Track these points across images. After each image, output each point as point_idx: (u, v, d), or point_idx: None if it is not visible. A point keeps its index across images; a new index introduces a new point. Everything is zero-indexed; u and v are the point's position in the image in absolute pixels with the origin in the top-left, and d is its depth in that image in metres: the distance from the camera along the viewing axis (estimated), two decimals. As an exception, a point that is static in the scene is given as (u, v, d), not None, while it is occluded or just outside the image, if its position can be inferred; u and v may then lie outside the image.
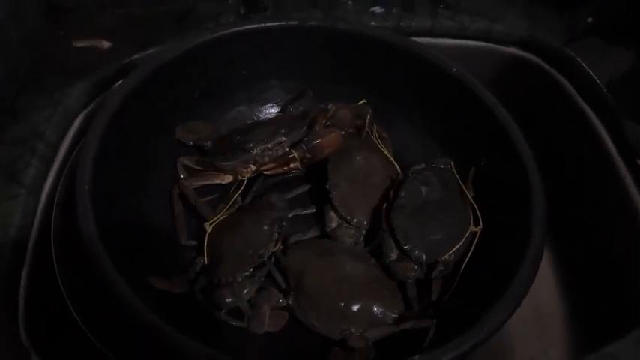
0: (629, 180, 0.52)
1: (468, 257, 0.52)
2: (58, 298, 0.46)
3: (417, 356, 0.40)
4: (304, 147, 0.57)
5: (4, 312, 0.46)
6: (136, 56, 0.63)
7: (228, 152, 0.57)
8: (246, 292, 0.51)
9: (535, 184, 0.50)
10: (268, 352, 0.50)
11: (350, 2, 0.70)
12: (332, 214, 0.57)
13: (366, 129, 0.61)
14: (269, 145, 0.57)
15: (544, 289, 0.62)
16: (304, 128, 0.59)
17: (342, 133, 0.58)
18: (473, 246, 0.53)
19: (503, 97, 0.58)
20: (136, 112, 0.54)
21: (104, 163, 0.49)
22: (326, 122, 0.58)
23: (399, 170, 0.61)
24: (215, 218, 0.55)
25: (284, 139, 0.57)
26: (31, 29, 0.65)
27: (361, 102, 0.62)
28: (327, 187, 0.58)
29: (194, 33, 0.62)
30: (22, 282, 0.48)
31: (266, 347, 0.50)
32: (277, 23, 0.61)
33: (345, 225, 0.57)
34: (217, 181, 0.58)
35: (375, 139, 0.62)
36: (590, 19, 0.65)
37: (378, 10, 0.68)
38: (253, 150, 0.57)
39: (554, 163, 0.60)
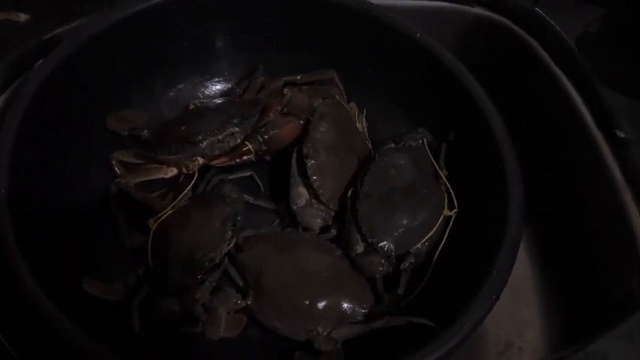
0: (606, 150, 0.49)
1: (441, 245, 0.48)
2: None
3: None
4: (260, 138, 0.52)
5: None
6: (58, 30, 0.55)
7: (173, 145, 0.51)
8: (198, 297, 0.46)
9: (510, 165, 0.46)
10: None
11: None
12: (301, 189, 0.51)
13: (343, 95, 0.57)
14: (220, 137, 0.51)
15: (518, 265, 0.59)
16: (257, 116, 0.53)
17: (301, 122, 0.52)
18: (447, 232, 0.49)
19: (469, 63, 0.54)
20: (59, 98, 0.47)
21: (23, 162, 0.42)
22: (282, 109, 0.53)
23: (370, 148, 0.56)
24: (160, 214, 0.49)
25: (236, 129, 0.51)
26: None
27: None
28: (305, 150, 0.51)
29: (124, 1, 0.54)
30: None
31: (223, 355, 0.45)
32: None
33: (314, 203, 0.52)
34: (160, 176, 0.52)
35: (350, 111, 0.57)
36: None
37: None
38: (202, 142, 0.51)
39: (526, 132, 0.55)
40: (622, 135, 0.47)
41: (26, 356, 0.40)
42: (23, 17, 0.58)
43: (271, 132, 0.52)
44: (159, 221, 0.49)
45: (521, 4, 0.59)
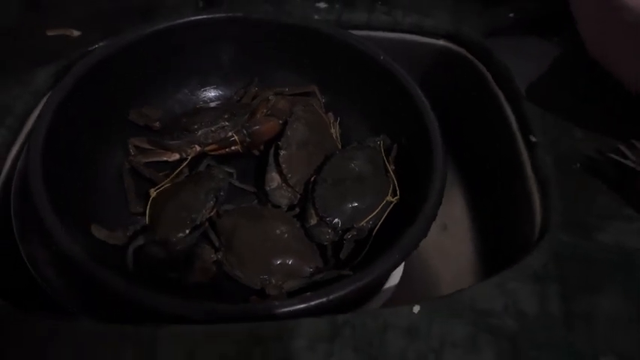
0: (523, 150, 0.59)
1: (379, 223, 0.59)
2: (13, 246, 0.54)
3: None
4: (245, 131, 0.64)
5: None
6: (100, 44, 0.71)
7: (175, 132, 0.64)
8: (179, 248, 0.58)
9: (438, 164, 0.56)
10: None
11: (298, -1, 0.77)
12: (274, 174, 0.63)
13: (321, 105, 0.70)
14: (212, 128, 0.64)
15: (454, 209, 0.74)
16: (246, 115, 0.66)
17: (280, 122, 0.65)
18: (386, 213, 0.59)
19: (433, 83, 0.68)
20: (93, 92, 0.61)
21: (56, 138, 0.55)
22: (267, 111, 0.66)
23: (339, 147, 0.68)
24: (159, 185, 0.62)
25: (227, 123, 0.65)
26: (10, 18, 0.73)
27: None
28: (279, 143, 0.64)
29: (149, 22, 0.69)
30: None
31: (194, 295, 0.56)
32: (225, 15, 0.68)
33: (284, 186, 0.63)
34: (164, 158, 0.65)
35: (326, 118, 0.70)
36: (511, 15, 0.72)
37: (322, 5, 0.75)
38: (198, 131, 0.64)
39: (470, 137, 0.69)
40: (533, 139, 0.57)
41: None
42: (76, 33, 0.74)
43: (254, 127, 0.64)
44: (158, 191, 0.62)
45: (475, 38, 0.70)
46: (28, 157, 0.53)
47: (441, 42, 0.73)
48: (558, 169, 0.54)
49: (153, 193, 0.62)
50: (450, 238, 0.74)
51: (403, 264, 0.53)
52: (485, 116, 0.68)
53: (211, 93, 0.72)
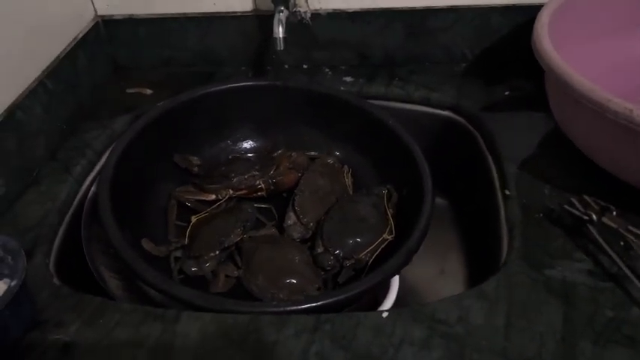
0: (500, 201, 0.70)
1: (374, 255, 0.70)
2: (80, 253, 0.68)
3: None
4: (270, 181, 0.79)
5: (42, 255, 0.68)
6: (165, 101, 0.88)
7: (215, 178, 0.79)
8: (208, 265, 0.71)
9: (425, 212, 0.67)
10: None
11: (329, 73, 0.93)
12: (291, 213, 0.77)
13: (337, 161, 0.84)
14: (245, 177, 0.79)
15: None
16: (273, 167, 0.81)
17: (299, 174, 0.80)
18: (380, 248, 0.70)
19: (437, 144, 0.83)
20: (148, 138, 0.76)
21: (121, 171, 0.70)
22: (289, 165, 0.81)
23: (350, 193, 0.81)
24: (199, 214, 0.77)
25: (256, 173, 0.80)
26: (99, 78, 0.92)
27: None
28: (295, 191, 0.78)
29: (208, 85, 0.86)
30: (58, 237, 0.70)
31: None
32: (266, 83, 0.85)
33: (298, 223, 0.76)
34: (202, 198, 0.79)
35: (340, 169, 0.83)
36: (507, 93, 0.84)
37: (348, 79, 0.91)
38: (234, 179, 0.79)
39: (467, 188, 0.81)
40: (507, 192, 0.68)
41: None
42: (149, 92, 0.93)
43: (277, 178, 0.80)
44: (197, 218, 0.76)
45: (473, 111, 0.83)
46: (99, 184, 0.68)
47: (445, 112, 0.86)
48: (525, 217, 0.64)
49: (193, 219, 0.76)
50: (446, 281, 0.83)
51: (394, 296, 0.64)
52: (476, 173, 0.80)
53: (246, 144, 0.88)
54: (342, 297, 0.58)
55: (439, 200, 0.91)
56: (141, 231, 0.72)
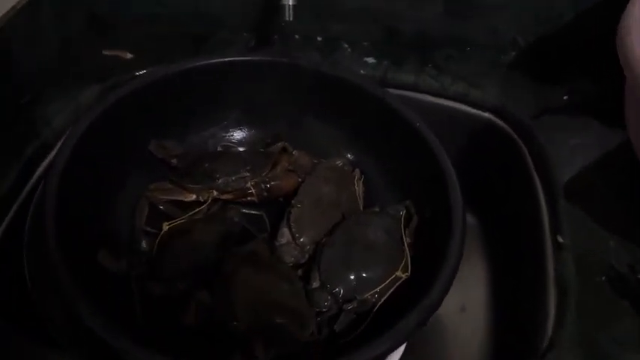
0: (549, 247, 0.55)
1: (384, 298, 0.56)
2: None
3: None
4: (263, 186, 0.64)
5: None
6: (148, 69, 0.72)
7: (196, 177, 0.64)
8: (178, 289, 0.57)
9: (453, 252, 0.53)
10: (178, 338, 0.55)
11: (348, 50, 0.76)
12: (285, 230, 0.62)
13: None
14: (233, 178, 0.64)
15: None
16: (268, 167, 0.66)
17: (299, 179, 0.65)
18: (392, 289, 0.56)
19: (472, 154, 0.68)
20: (119, 117, 0.62)
21: (77, 161, 0.56)
22: (287, 165, 0.65)
23: (360, 209, 0.66)
24: (173, 221, 0.62)
25: (247, 174, 0.65)
26: (69, 33, 0.76)
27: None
28: (293, 201, 0.63)
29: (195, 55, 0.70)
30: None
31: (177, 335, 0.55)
32: (268, 58, 0.68)
33: (293, 244, 0.62)
34: (181, 198, 0.65)
35: (350, 175, 0.68)
36: (565, 97, 0.68)
37: (370, 60, 0.74)
38: (219, 180, 0.64)
39: (503, 216, 0.67)
40: (560, 240, 0.53)
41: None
42: (129, 56, 0.77)
43: (272, 183, 0.65)
44: (170, 226, 0.62)
45: (521, 117, 0.67)
46: (46, 177, 0.54)
47: (486, 115, 0.70)
48: (581, 278, 0.50)
49: (165, 227, 0.62)
50: (467, 321, 0.70)
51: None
52: (519, 199, 0.65)
53: (237, 135, 0.72)
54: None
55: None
56: (102, 239, 0.59)
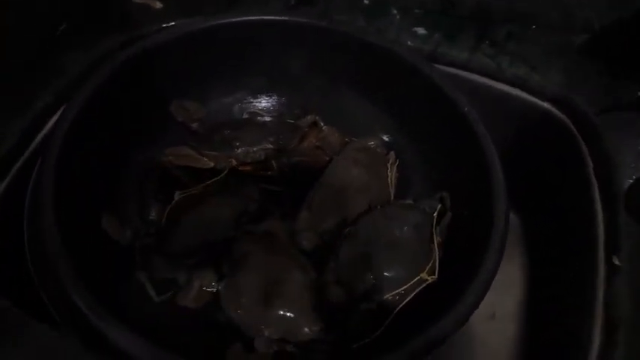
0: (601, 269, 0.48)
1: (405, 301, 0.50)
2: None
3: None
4: (286, 160, 0.59)
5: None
6: (171, 23, 0.66)
7: (216, 143, 0.59)
8: (184, 265, 0.53)
9: (490, 257, 0.47)
10: (176, 323, 0.51)
11: (398, 17, 0.68)
12: (305, 213, 0.57)
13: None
14: (254, 149, 0.59)
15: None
16: (294, 141, 0.60)
17: (327, 158, 0.59)
18: (415, 292, 0.51)
19: (523, 145, 0.62)
20: (130, 83, 0.57)
21: (86, 122, 0.52)
22: (315, 141, 0.60)
23: (391, 198, 0.60)
24: (186, 191, 0.58)
25: (270, 146, 0.59)
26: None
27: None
28: (317, 183, 0.58)
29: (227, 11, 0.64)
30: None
31: (176, 319, 0.51)
32: (306, 21, 0.61)
33: (312, 230, 0.56)
34: (197, 165, 0.60)
35: (384, 159, 0.62)
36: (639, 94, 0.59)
37: (420, 30, 0.66)
38: (239, 149, 0.59)
39: (549, 219, 0.62)
40: (617, 263, 0.46)
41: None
42: (159, 5, 0.71)
43: (297, 159, 0.60)
44: (183, 195, 0.58)
45: (586, 111, 0.58)
46: (49, 137, 0.50)
47: (545, 105, 0.62)
48: (637, 309, 0.43)
49: (178, 196, 0.57)
50: (496, 330, 0.63)
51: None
52: (571, 204, 0.57)
53: (263, 103, 0.67)
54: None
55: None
56: (109, 205, 0.55)
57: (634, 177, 0.52)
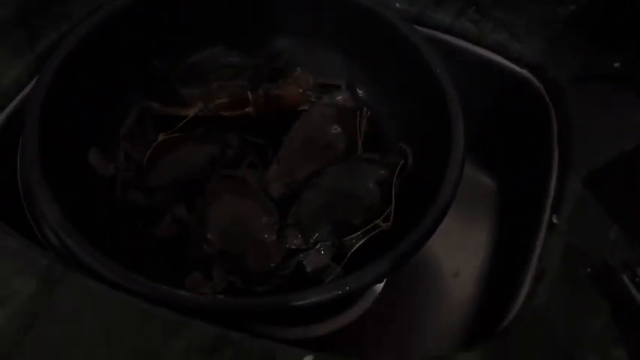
0: (543, 227, 0.50)
1: (359, 244, 0.53)
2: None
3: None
4: (261, 92, 0.61)
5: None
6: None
7: (192, 81, 0.62)
8: (158, 199, 0.57)
9: (441, 201, 0.49)
10: (145, 249, 0.56)
11: (390, -21, 0.70)
12: (275, 166, 0.60)
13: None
14: (230, 83, 0.62)
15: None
16: (268, 76, 0.63)
17: (300, 90, 0.61)
18: (368, 236, 0.53)
19: (494, 108, 0.64)
20: (116, 28, 0.60)
21: (73, 67, 0.55)
22: (289, 80, 0.61)
23: (359, 151, 0.62)
24: (169, 132, 0.62)
25: (245, 83, 0.62)
26: None
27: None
28: (285, 137, 0.61)
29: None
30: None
31: (146, 245, 0.56)
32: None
33: (280, 181, 0.60)
34: (175, 113, 0.62)
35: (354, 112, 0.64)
36: (616, 65, 0.59)
37: (410, -7, 0.68)
38: (214, 83, 0.62)
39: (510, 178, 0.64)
40: (554, 221, 0.47)
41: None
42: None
43: (273, 91, 0.62)
44: (166, 136, 0.62)
45: (560, 78, 0.59)
46: (34, 87, 0.54)
47: (522, 71, 0.63)
48: (565, 266, 0.44)
49: (161, 137, 0.62)
50: (459, 287, 0.66)
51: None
52: (535, 169, 0.58)
53: (239, 56, 0.67)
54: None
55: (483, 178, 0.71)
56: (95, 142, 0.59)
57: (597, 148, 0.53)
